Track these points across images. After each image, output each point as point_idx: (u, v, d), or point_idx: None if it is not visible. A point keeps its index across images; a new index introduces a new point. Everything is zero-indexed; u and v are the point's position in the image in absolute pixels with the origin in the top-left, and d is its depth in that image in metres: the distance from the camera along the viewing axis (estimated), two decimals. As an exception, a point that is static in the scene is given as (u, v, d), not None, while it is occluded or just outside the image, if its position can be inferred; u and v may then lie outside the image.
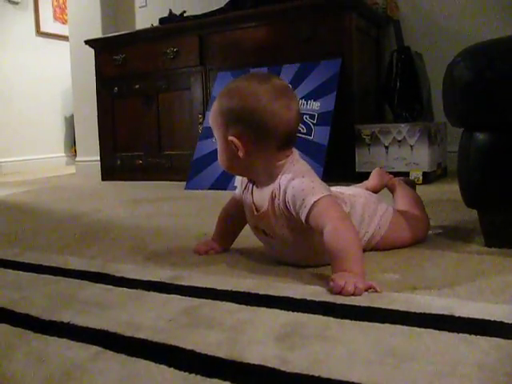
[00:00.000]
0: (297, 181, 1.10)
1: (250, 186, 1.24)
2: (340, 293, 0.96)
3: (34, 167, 5.50)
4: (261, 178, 1.19)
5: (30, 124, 5.58)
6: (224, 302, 0.94)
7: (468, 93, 1.21)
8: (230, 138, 1.14)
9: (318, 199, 1.07)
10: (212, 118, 1.20)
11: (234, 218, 1.35)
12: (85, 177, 4.27)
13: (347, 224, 1.07)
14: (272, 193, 1.15)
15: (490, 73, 1.19)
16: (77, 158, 4.75)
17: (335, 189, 1.32)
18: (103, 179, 3.87)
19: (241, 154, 1.15)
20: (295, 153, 1.20)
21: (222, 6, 3.52)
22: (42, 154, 5.75)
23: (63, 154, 6.03)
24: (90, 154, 4.43)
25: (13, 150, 5.44)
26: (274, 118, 1.12)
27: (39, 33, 5.76)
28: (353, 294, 0.95)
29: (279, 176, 1.14)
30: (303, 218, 1.09)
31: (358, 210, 1.26)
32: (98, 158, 3.98)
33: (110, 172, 3.84)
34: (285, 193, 1.12)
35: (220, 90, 3.03)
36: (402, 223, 1.34)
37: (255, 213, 1.21)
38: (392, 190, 1.59)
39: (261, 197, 1.20)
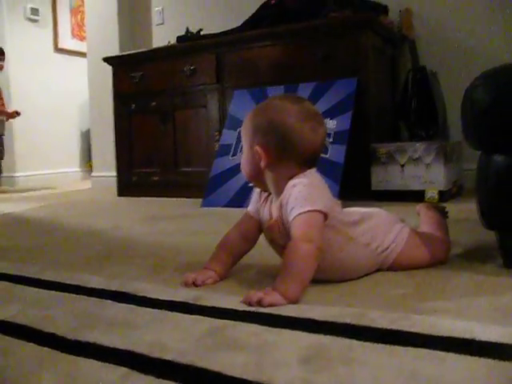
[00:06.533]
0: (297, 188, 1.16)
1: (270, 198, 1.28)
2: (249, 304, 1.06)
3: (49, 181, 5.55)
4: (277, 190, 1.23)
5: (46, 138, 5.64)
6: (247, 324, 0.96)
7: (487, 116, 1.23)
8: (256, 147, 1.21)
9: (304, 212, 1.12)
10: (243, 128, 1.28)
11: (235, 245, 1.33)
12: (101, 192, 4.30)
13: (309, 248, 1.10)
14: (280, 202, 1.20)
15: (508, 96, 1.21)
16: (93, 173, 4.80)
17: (354, 208, 1.36)
18: (119, 195, 3.89)
19: (263, 164, 1.21)
20: (313, 169, 1.24)
21: (239, 24, 3.56)
22: (58, 168, 5.81)
23: (79, 169, 6.08)
24: (106, 169, 4.48)
25: (29, 164, 5.50)
26: (299, 136, 1.18)
27: (57, 49, 5.86)
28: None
29: (287, 184, 1.19)
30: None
31: (371, 223, 1.29)
32: (114, 174, 4.01)
33: (126, 188, 3.87)
34: (287, 200, 1.17)
35: (236, 108, 3.12)
36: (419, 242, 1.35)
37: (268, 224, 1.26)
38: (419, 214, 1.62)
39: (275, 208, 1.24)
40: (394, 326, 0.91)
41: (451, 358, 0.78)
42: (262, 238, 1.34)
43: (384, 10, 3.36)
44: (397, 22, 3.39)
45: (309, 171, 1.22)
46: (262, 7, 3.47)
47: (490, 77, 1.27)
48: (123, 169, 3.90)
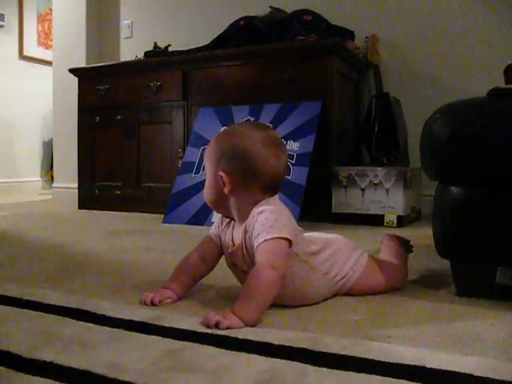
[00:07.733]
0: (263, 215, 1.17)
1: (232, 223, 1.29)
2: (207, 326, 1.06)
3: (9, 190, 5.46)
4: (241, 216, 1.24)
5: (7, 146, 5.56)
6: (205, 346, 0.96)
7: (445, 149, 1.26)
8: (220, 173, 1.22)
9: (270, 239, 1.14)
10: (207, 153, 1.28)
11: (195, 267, 1.33)
12: (61, 204, 4.25)
13: (272, 274, 1.11)
14: (245, 227, 1.21)
15: (465, 131, 1.24)
16: (54, 184, 4.74)
17: (314, 234, 1.38)
18: (80, 207, 3.85)
19: (226, 190, 1.22)
20: (275, 195, 1.26)
21: (207, 42, 3.60)
22: (18, 177, 5.72)
23: (39, 178, 6.00)
24: (68, 180, 4.44)
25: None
26: (263, 162, 1.20)
27: (22, 56, 5.79)
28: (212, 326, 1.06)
29: (253, 210, 1.20)
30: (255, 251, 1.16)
31: (331, 251, 1.31)
32: (75, 185, 3.97)
33: (87, 200, 3.83)
34: (253, 226, 1.18)
35: (201, 126, 3.13)
36: (377, 269, 1.38)
37: (231, 249, 1.26)
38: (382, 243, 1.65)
39: (237, 233, 1.25)
40: (348, 352, 0.93)
41: (402, 385, 0.81)
42: (220, 260, 1.35)
43: (350, 35, 3.43)
44: (362, 47, 3.47)
45: (273, 198, 1.24)
46: (231, 27, 3.51)
47: (449, 110, 1.31)
48: (85, 181, 3.87)
